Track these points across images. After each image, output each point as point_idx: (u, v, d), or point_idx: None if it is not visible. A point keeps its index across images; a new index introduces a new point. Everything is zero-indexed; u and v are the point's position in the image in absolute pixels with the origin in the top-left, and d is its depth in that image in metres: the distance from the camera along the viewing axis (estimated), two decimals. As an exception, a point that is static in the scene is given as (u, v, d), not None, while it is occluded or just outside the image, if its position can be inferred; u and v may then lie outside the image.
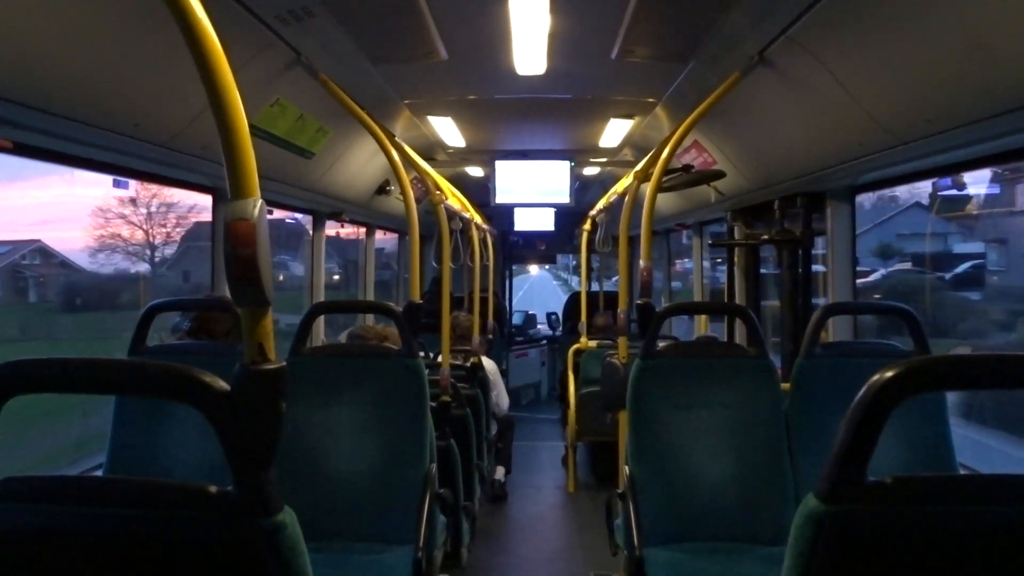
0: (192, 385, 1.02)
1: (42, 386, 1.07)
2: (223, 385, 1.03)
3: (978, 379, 0.99)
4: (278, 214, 5.35)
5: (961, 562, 1.01)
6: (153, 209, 9.70)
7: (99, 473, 2.69)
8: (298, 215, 5.65)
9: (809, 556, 1.01)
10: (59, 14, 1.82)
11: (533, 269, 27.81)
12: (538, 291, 25.47)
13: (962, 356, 0.98)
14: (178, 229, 9.99)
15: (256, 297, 1.12)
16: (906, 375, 0.95)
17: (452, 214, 4.86)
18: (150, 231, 9.78)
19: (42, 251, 9.85)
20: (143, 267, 10.21)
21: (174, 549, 1.08)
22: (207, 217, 3.68)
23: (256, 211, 1.09)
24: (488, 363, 5.10)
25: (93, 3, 1.88)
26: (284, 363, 1.14)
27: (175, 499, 1.07)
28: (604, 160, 5.95)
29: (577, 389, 5.75)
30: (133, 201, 9.28)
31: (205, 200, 3.54)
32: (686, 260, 7.09)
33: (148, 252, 10.00)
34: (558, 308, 9.45)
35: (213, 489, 1.06)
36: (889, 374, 0.95)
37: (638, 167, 3.95)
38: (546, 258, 10.88)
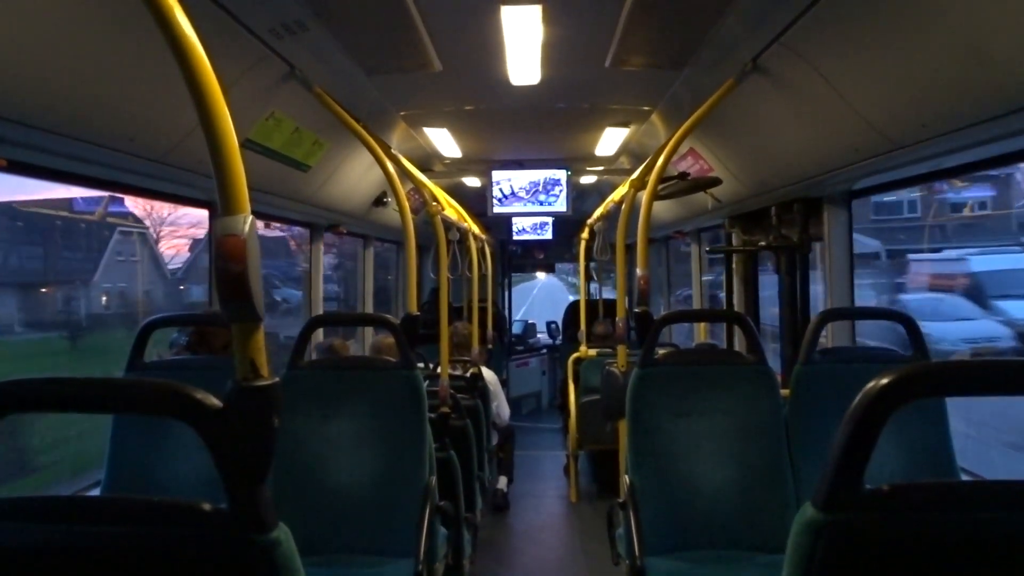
0: (184, 402, 1.02)
1: (37, 405, 1.06)
2: (215, 402, 1.02)
3: (975, 385, 0.98)
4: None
5: (961, 570, 1.00)
6: None
7: (97, 490, 2.68)
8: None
9: (807, 566, 1.00)
10: (52, 30, 1.82)
11: (540, 275, 27.28)
12: (544, 301, 24.79)
13: (958, 362, 0.97)
14: None
15: (247, 313, 1.11)
16: (901, 382, 0.94)
17: (449, 224, 4.86)
18: None
19: None
20: None
21: (168, 567, 1.07)
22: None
23: (246, 227, 1.09)
24: (488, 373, 5.09)
25: (86, 19, 1.89)
26: (277, 379, 1.13)
27: (169, 516, 1.07)
28: (601, 168, 5.96)
29: (578, 398, 5.73)
30: None
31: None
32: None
33: None
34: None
35: (207, 506, 1.05)
36: (884, 381, 0.94)
37: (634, 175, 3.96)
38: (545, 267, 10.89)
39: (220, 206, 1.10)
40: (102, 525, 1.06)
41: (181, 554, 1.06)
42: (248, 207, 1.11)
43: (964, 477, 2.79)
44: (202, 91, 1.07)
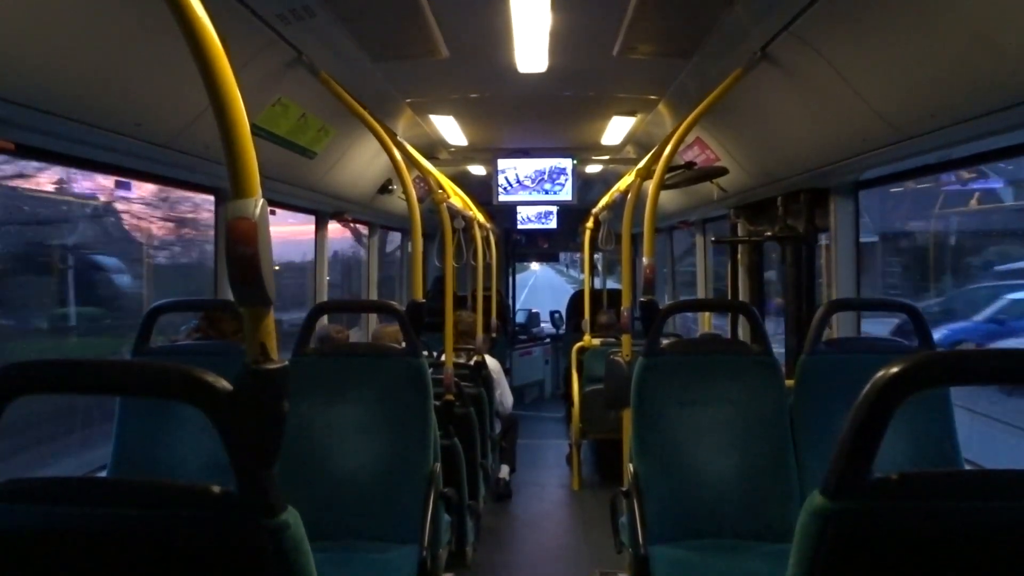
0: (194, 385, 1.02)
1: (46, 387, 1.07)
2: (225, 385, 1.02)
3: (982, 374, 0.98)
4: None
5: (967, 558, 1.00)
6: None
7: (103, 473, 2.69)
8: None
9: (814, 553, 1.00)
10: (60, 14, 1.82)
11: (535, 266, 27.17)
12: (541, 292, 24.73)
13: (965, 351, 0.97)
14: None
15: (258, 297, 1.11)
16: (910, 371, 0.94)
17: (454, 213, 4.85)
18: None
19: None
20: None
21: (177, 549, 1.08)
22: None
23: (257, 210, 1.09)
24: (491, 361, 5.10)
25: (94, 3, 1.88)
26: (286, 362, 1.14)
27: (178, 499, 1.07)
28: (607, 158, 5.94)
29: (581, 387, 5.74)
30: None
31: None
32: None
33: None
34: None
35: (216, 489, 1.06)
36: (893, 370, 0.94)
37: (640, 164, 3.94)
38: (549, 256, 10.89)
39: (231, 189, 1.10)
40: (112, 507, 1.07)
41: (190, 537, 1.07)
42: (259, 190, 1.11)
43: (968, 468, 2.79)
44: (213, 72, 1.07)
